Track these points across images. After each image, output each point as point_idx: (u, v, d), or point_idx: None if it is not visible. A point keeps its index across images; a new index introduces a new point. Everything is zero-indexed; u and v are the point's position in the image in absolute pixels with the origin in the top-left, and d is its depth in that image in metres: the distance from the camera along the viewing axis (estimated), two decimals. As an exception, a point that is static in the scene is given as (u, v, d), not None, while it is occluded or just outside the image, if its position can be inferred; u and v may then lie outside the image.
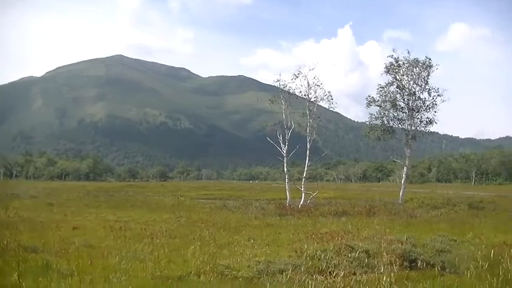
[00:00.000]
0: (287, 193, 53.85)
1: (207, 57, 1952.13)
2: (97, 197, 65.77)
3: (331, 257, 16.39)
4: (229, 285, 13.60)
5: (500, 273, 13.32)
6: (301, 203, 50.18)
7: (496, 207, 49.81)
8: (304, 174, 54.52)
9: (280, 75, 55.05)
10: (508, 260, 15.09)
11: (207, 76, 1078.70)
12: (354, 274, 14.84)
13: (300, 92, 53.38)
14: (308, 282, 13.11)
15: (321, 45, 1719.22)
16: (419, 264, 16.52)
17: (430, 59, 54.69)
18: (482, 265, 14.87)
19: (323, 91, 53.02)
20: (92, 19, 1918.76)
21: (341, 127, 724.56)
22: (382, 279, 13.40)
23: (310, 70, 53.00)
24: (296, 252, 18.22)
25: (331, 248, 17.98)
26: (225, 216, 38.04)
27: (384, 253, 17.20)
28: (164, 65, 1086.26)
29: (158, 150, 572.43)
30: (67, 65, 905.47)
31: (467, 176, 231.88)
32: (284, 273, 14.69)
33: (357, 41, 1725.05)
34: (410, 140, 54.49)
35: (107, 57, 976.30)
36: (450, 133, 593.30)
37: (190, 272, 14.98)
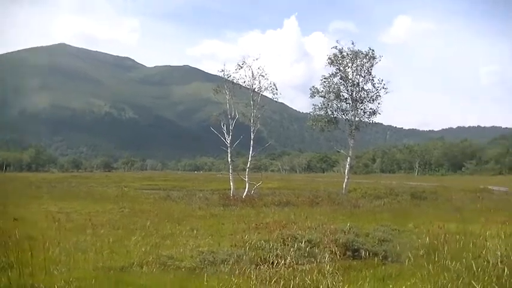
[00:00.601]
0: (231, 183, 53.95)
1: (152, 47, 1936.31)
2: (39, 188, 64.66)
3: (274, 247, 16.44)
4: (172, 275, 13.56)
5: (438, 260, 13.59)
6: (245, 193, 50.30)
7: (438, 197, 50.78)
8: (248, 165, 54.61)
9: (224, 65, 55.19)
10: (445, 247, 15.40)
11: (152, 66, 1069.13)
12: (297, 264, 14.88)
13: (244, 82, 53.49)
14: (251, 272, 13.15)
15: (267, 36, 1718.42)
16: (362, 254, 16.72)
17: (373, 51, 55.28)
18: (422, 253, 15.16)
19: (267, 81, 53.19)
20: (35, 5, 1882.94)
21: (286, 118, 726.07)
22: (325, 268, 13.52)
23: (254, 60, 53.17)
24: (239, 242, 18.23)
25: (275, 238, 18.05)
26: (169, 207, 38.00)
27: (327, 243, 17.34)
28: (109, 54, 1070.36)
29: (102, 141, 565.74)
30: (8, 53, 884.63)
31: (410, 166, 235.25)
32: (227, 264, 14.73)
33: (302, 32, 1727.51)
34: (353, 131, 54.96)
35: (50, 46, 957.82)
36: (394, 124, 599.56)
37: (133, 263, 14.94)
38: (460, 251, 14.54)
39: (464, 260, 13.19)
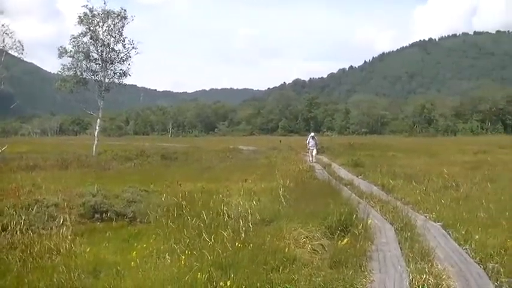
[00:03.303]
0: (-30, 150, 51.06)
1: None
2: None
3: (17, 213, 15.80)
4: None
5: (182, 218, 13.97)
6: (-14, 159, 47.88)
7: (188, 157, 51.76)
8: (-9, 128, 52.15)
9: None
10: (191, 205, 15.81)
11: None
12: (43, 229, 14.49)
13: (-13, 40, 50.42)
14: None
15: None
16: (110, 216, 16.66)
17: (125, 11, 54.72)
18: (169, 213, 15.44)
19: (12, 40, 50.64)
20: None
21: (38, 79, 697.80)
22: (68, 232, 13.31)
23: (-3, 17, 50.47)
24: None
25: (18, 204, 17.37)
26: None
27: (74, 206, 17.07)
28: None
29: None
30: None
31: (164, 128, 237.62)
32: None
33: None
34: (103, 92, 54.35)
35: None
36: (148, 86, 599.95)
37: None
38: (204, 209, 14.96)
39: (206, 217, 13.63)
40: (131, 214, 16.98)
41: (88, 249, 11.61)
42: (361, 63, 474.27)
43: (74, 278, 9.54)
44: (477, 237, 13.50)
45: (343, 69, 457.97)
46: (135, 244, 12.35)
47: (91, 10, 53.70)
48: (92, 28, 53.85)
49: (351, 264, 10.48)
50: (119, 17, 54.30)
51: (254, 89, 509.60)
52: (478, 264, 11.39)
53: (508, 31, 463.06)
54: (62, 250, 11.64)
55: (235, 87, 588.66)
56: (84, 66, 54.44)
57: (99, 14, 53.85)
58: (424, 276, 9.82)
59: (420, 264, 10.83)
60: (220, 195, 17.92)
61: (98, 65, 54.59)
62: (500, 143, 79.33)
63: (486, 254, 11.97)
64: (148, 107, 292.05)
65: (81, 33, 54.06)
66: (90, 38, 54.13)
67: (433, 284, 9.55)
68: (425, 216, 17.07)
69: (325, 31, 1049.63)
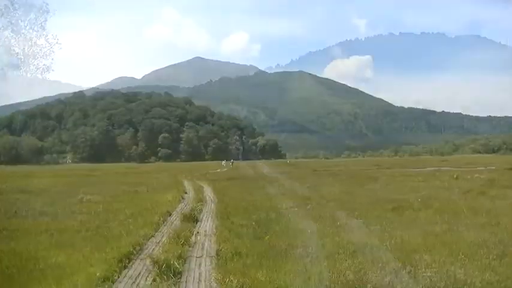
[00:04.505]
0: None
1: None
2: None
3: None
4: None
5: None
6: None
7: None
8: None
9: None
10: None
11: None
12: None
13: None
14: None
15: None
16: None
17: (47, 4, 53.79)
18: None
19: None
20: None
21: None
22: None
23: None
24: None
25: None
26: None
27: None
28: None
29: None
30: None
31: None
32: None
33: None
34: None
35: None
36: (73, 82, 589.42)
37: None
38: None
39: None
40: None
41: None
42: (288, 61, 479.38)
43: None
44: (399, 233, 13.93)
45: (270, 67, 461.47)
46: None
47: (12, 3, 52.67)
48: (13, 21, 52.78)
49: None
50: (41, 11, 53.36)
51: (180, 86, 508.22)
52: (398, 259, 11.73)
53: (432, 32, 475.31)
54: None
55: (161, 84, 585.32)
56: (5, 60, 53.33)
57: (20, 7, 52.86)
58: (345, 272, 10.07)
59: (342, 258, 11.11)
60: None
61: (19, 60, 53.53)
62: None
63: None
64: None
65: (2, 26, 52.98)
66: (12, 32, 53.07)
67: (354, 279, 9.80)
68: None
69: (251, 30, 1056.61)
